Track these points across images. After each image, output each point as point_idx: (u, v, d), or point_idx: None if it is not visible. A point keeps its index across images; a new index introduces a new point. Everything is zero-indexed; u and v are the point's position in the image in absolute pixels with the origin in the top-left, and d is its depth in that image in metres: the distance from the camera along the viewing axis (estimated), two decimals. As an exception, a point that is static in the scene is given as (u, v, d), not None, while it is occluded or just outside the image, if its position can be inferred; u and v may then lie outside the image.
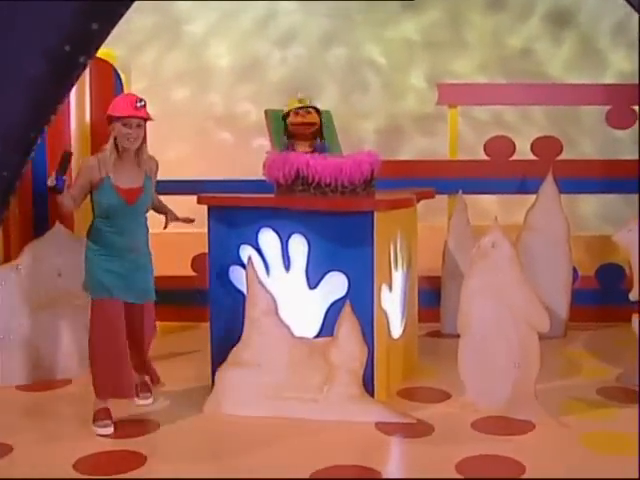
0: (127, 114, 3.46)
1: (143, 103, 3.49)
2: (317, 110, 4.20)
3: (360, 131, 6.80)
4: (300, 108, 4.14)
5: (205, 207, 4.03)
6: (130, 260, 3.57)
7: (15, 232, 4.65)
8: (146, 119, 3.52)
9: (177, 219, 3.88)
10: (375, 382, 3.79)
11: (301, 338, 3.65)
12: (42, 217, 4.67)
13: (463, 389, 3.78)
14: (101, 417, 3.52)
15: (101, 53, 4.99)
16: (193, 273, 5.46)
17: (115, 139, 3.51)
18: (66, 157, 3.42)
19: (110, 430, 3.49)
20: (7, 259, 4.46)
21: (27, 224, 4.69)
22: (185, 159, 6.61)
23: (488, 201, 6.45)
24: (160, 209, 3.93)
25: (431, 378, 4.27)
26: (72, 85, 3.07)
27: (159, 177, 3.77)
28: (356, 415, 3.58)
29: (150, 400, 3.91)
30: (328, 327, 3.71)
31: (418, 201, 4.30)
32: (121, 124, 3.47)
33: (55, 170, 3.39)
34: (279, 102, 4.53)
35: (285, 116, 4.21)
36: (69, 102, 4.74)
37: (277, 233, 3.90)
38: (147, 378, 3.92)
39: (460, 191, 5.33)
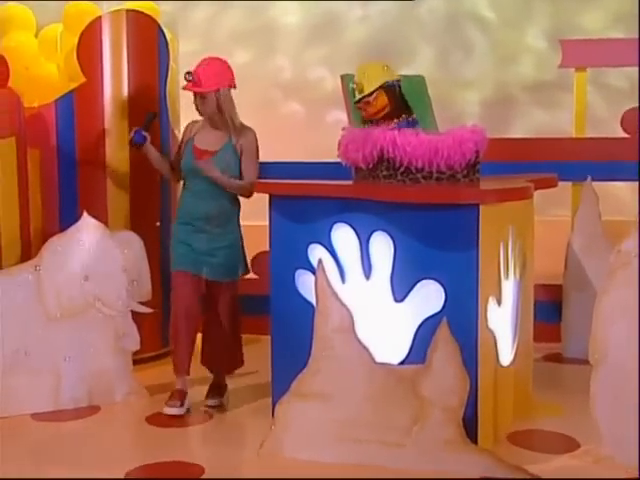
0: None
1: (189, 76, 4.14)
2: (382, 87, 4.07)
3: (462, 102, 6.96)
4: (358, 101, 4.12)
5: (266, 196, 4.04)
6: (208, 232, 4.21)
7: (36, 225, 4.71)
8: (194, 92, 4.16)
9: None
10: (479, 423, 3.71)
11: (384, 364, 3.60)
12: (69, 207, 4.74)
13: (596, 436, 3.61)
14: (171, 397, 4.20)
15: (142, 6, 5.01)
16: (254, 276, 5.36)
17: None
18: (150, 116, 4.44)
19: (175, 411, 4.13)
20: (25, 258, 4.47)
21: (51, 215, 4.74)
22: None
23: (625, 190, 6.38)
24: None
25: (552, 418, 4.15)
26: None
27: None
28: (453, 465, 3.48)
29: (218, 401, 4.31)
30: (419, 351, 3.65)
31: (535, 190, 4.19)
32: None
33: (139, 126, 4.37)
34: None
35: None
36: (102, 64, 4.69)
37: (355, 230, 3.87)
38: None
39: (589, 178, 5.27)
